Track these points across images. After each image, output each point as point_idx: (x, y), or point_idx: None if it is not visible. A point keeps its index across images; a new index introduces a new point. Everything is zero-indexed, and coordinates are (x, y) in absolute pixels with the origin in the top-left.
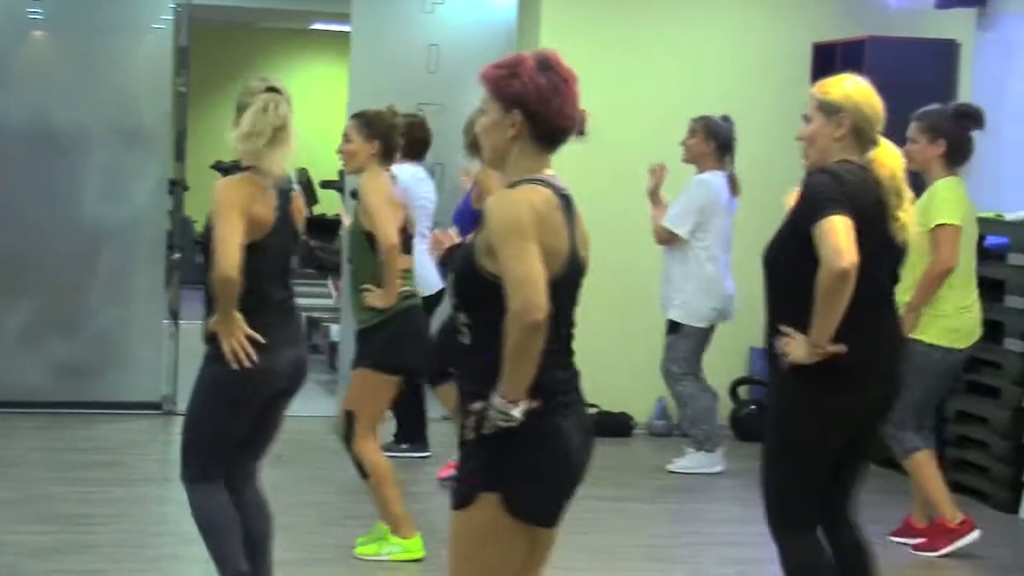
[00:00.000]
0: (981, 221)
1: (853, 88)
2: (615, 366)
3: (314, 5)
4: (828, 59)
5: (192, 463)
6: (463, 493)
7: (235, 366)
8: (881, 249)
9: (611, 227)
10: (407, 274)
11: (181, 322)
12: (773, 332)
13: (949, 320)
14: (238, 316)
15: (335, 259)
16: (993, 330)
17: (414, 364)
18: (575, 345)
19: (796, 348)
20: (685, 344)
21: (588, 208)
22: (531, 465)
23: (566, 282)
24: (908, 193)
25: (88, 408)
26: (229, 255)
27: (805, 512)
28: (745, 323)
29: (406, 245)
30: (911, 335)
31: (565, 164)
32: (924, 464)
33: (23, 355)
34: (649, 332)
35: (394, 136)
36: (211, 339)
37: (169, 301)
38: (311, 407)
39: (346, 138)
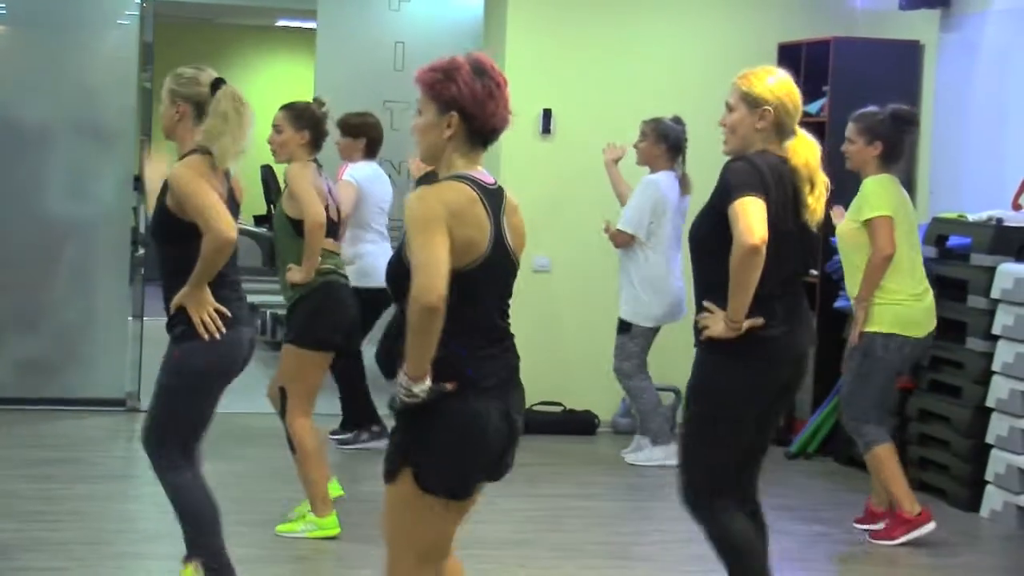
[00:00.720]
0: (944, 222)
1: (776, 83)
2: (579, 364)
3: (279, 2)
4: (793, 59)
5: (171, 448)
6: (388, 468)
7: (207, 338)
8: (793, 234)
9: (574, 225)
10: (329, 256)
11: (145, 319)
12: (699, 309)
13: (902, 308)
14: (207, 291)
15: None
16: (955, 329)
17: (332, 339)
18: (540, 342)
19: (715, 323)
20: (634, 344)
21: (551, 206)
22: (439, 443)
23: (490, 272)
24: (822, 179)
25: (50, 405)
26: (224, 219)
27: (724, 483)
28: None
29: (331, 230)
30: (866, 328)
31: (529, 162)
32: (885, 457)
33: None
34: (612, 331)
35: (322, 127)
36: (177, 321)
37: (133, 297)
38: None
39: (277, 128)
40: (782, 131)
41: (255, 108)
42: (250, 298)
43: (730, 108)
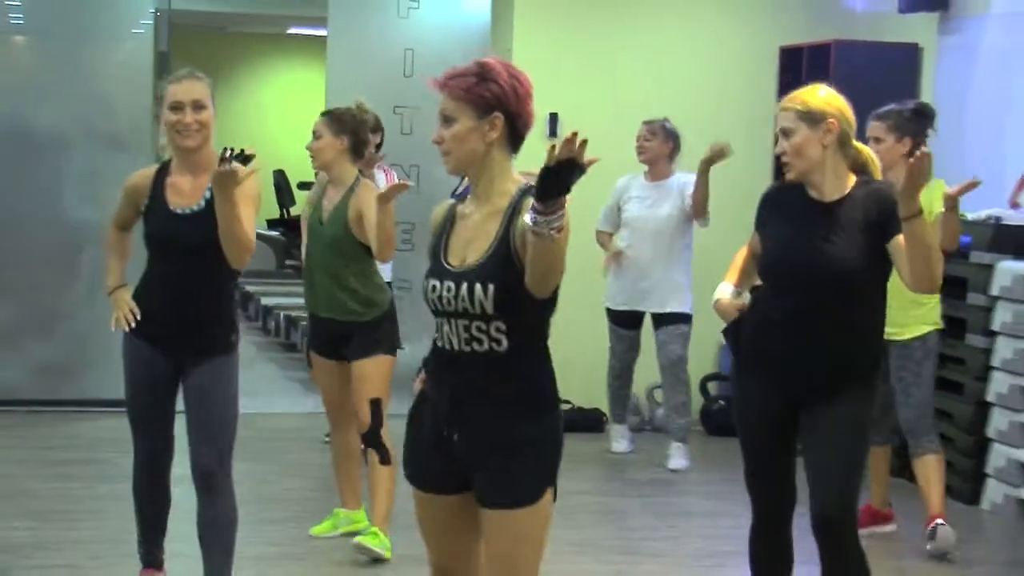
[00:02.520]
0: None
1: (830, 95)
2: (586, 363)
3: (290, 10)
4: (795, 62)
5: (229, 458)
6: (529, 491)
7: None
8: None
9: (581, 224)
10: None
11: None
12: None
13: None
14: None
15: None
16: (956, 326)
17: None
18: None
19: None
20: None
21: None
22: (560, 460)
23: None
24: None
25: (67, 406)
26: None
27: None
28: (715, 321)
29: None
30: (927, 327)
31: (537, 164)
32: (879, 458)
33: (2, 354)
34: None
35: (362, 132)
36: (230, 330)
37: None
38: (290, 403)
39: (316, 135)
40: (845, 145)
41: (267, 115)
42: (264, 300)
43: (787, 133)
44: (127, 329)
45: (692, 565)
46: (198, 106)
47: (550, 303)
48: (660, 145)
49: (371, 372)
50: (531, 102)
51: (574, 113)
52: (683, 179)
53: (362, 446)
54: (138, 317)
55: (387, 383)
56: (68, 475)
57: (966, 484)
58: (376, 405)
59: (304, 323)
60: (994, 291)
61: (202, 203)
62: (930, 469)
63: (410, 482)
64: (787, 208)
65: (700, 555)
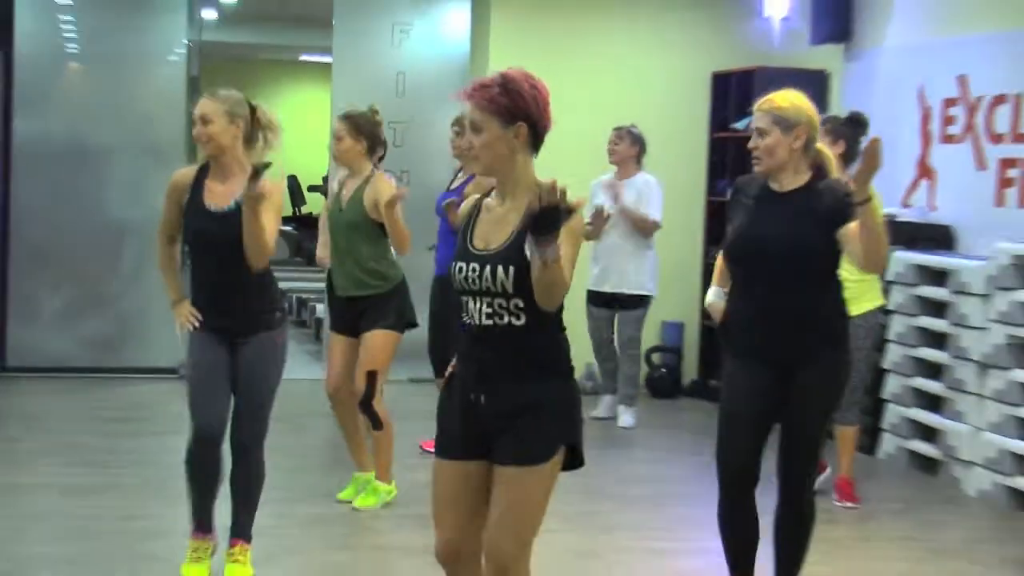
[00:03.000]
0: None
1: (803, 103)
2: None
3: (302, 41)
4: (725, 85)
5: (264, 432)
6: (541, 450)
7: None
8: None
9: None
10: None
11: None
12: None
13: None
14: None
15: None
16: None
17: (414, 320)
18: None
19: None
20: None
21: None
22: (581, 425)
23: None
24: None
25: (114, 373)
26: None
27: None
28: (659, 301)
29: None
30: (863, 308)
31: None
32: (848, 437)
33: (60, 330)
34: (578, 308)
35: (378, 133)
36: (277, 309)
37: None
38: (301, 372)
39: (337, 137)
40: (810, 148)
41: (283, 128)
42: (280, 284)
43: (762, 132)
44: (191, 330)
45: (636, 493)
46: (205, 120)
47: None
48: (627, 148)
49: (375, 344)
50: (549, 108)
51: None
52: (648, 178)
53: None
54: (200, 319)
55: (388, 357)
56: (115, 431)
57: (866, 438)
58: (372, 377)
59: (312, 304)
60: (888, 277)
61: (232, 204)
62: (848, 439)
63: (436, 452)
64: (754, 199)
65: (646, 494)
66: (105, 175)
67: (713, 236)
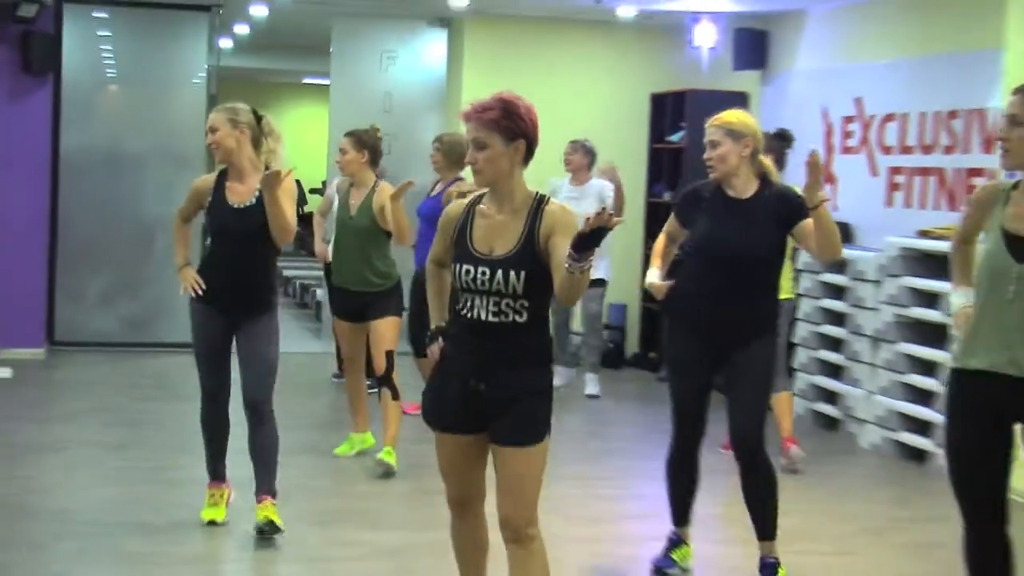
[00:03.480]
0: None
1: (748, 119)
2: None
3: (304, 66)
4: (662, 104)
5: (271, 393)
6: (535, 433)
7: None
8: None
9: None
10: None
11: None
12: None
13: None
14: None
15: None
16: None
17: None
18: None
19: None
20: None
21: None
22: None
23: None
24: None
25: (145, 347)
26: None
27: (675, 428)
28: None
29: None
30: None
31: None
32: (784, 401)
33: (100, 310)
34: None
35: (378, 148)
36: (272, 293)
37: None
38: (303, 346)
39: (342, 151)
40: (755, 157)
41: (288, 143)
42: (285, 272)
43: (715, 144)
44: (194, 295)
45: (588, 454)
46: (212, 130)
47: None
48: (581, 158)
49: (385, 330)
50: (538, 127)
51: None
52: (599, 183)
53: (373, 388)
54: (203, 287)
55: (396, 338)
56: (145, 396)
57: None
58: (390, 356)
59: (314, 288)
60: (799, 266)
61: (252, 200)
62: (784, 403)
63: (431, 425)
64: (710, 204)
65: (594, 449)
66: (138, 179)
67: (651, 231)
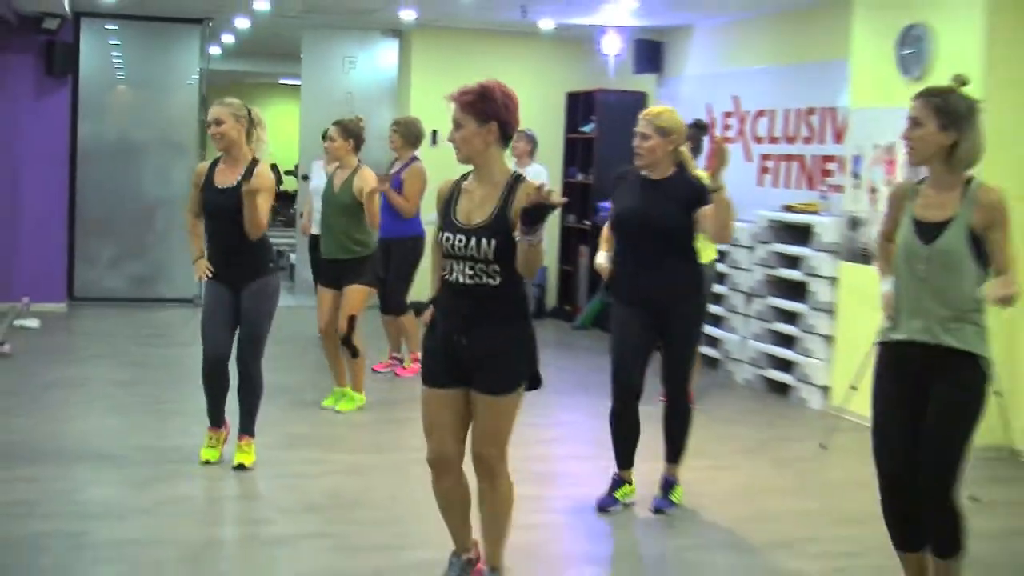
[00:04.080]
0: None
1: (675, 117)
2: None
3: (280, 69)
4: (576, 101)
5: (260, 354)
6: (507, 384)
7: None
8: None
9: None
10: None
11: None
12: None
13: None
14: None
15: (293, 215)
16: None
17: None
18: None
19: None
20: None
21: (436, 187)
22: (535, 360)
23: None
24: None
25: (148, 302)
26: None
27: (615, 385)
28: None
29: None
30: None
31: (424, 161)
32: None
33: (112, 271)
34: None
35: (361, 136)
36: (269, 259)
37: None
38: (280, 301)
39: (331, 139)
40: (677, 151)
41: (267, 132)
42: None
43: (645, 136)
44: (206, 279)
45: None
46: (217, 122)
47: None
48: (524, 146)
49: (353, 296)
50: (517, 112)
51: (447, 130)
52: (538, 168)
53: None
54: (213, 271)
55: (363, 305)
56: (149, 343)
57: None
58: (352, 320)
59: (288, 253)
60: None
61: (235, 183)
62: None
63: (424, 382)
64: (631, 185)
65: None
66: (142, 164)
67: (566, 207)
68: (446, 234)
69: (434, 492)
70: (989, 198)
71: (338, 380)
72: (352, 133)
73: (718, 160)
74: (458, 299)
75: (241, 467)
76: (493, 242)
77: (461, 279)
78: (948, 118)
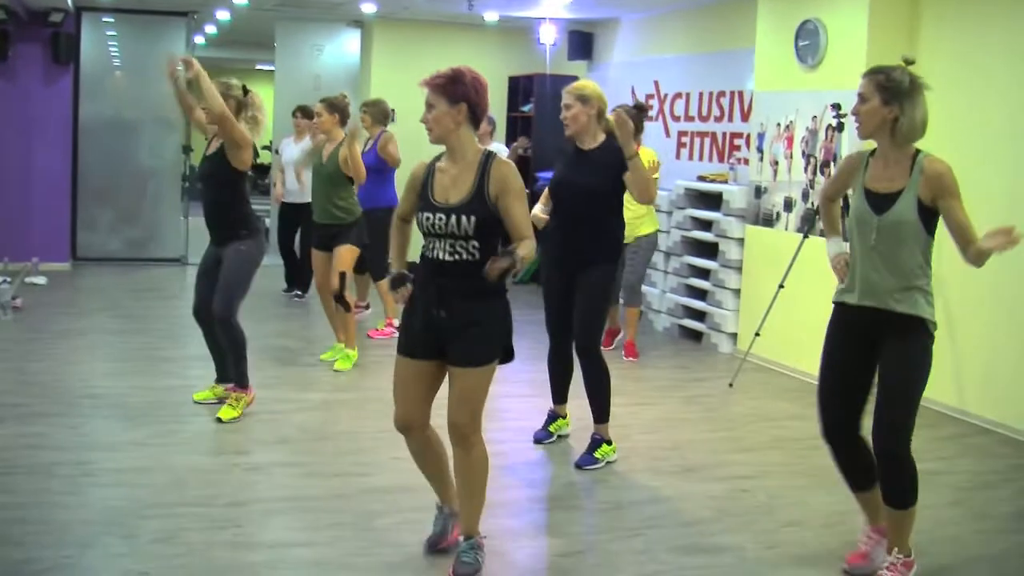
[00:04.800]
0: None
1: (595, 87)
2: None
3: (256, 56)
4: (517, 84)
5: (234, 307)
6: (484, 355)
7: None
8: None
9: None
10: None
11: (190, 217)
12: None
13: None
14: None
15: (268, 185)
16: None
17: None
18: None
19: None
20: None
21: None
22: (510, 332)
23: None
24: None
25: (142, 261)
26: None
27: (550, 331)
28: None
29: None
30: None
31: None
32: (632, 314)
33: (110, 234)
34: None
35: (347, 111)
36: (241, 227)
37: (183, 206)
38: None
39: (318, 114)
40: (601, 117)
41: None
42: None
43: (568, 107)
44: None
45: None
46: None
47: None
48: (485, 126)
49: (342, 255)
50: (487, 96)
51: (403, 109)
52: (498, 145)
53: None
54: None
55: (351, 263)
56: (143, 298)
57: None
58: (343, 276)
59: (264, 218)
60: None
61: (213, 151)
62: (632, 315)
63: (398, 351)
64: (567, 156)
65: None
66: (136, 139)
67: None
68: (425, 214)
69: (409, 450)
70: (935, 168)
71: (337, 335)
72: (338, 108)
73: (620, 131)
74: (438, 275)
75: (219, 420)
76: (472, 219)
77: (442, 255)
78: (890, 93)
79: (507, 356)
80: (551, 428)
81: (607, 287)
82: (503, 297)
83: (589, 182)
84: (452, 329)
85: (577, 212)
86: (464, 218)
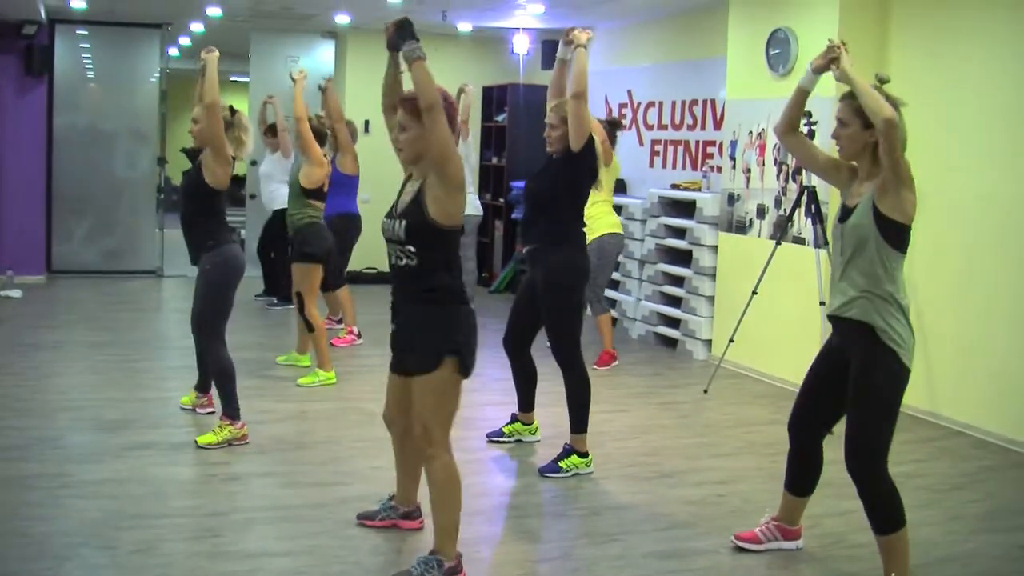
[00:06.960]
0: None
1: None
2: None
3: (231, 67)
4: (490, 95)
5: (209, 327)
6: (429, 360)
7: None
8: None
9: (382, 176)
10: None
11: (165, 230)
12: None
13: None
14: None
15: (242, 196)
16: None
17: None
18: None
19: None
20: None
21: (370, 168)
22: (470, 337)
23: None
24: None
25: (117, 273)
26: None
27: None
28: None
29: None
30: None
31: (360, 147)
32: (605, 321)
33: (86, 246)
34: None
35: (322, 131)
36: (212, 241)
37: (158, 218)
38: None
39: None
40: None
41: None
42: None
43: (553, 127)
44: None
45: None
46: (195, 121)
47: (448, 236)
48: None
49: (294, 273)
50: (457, 117)
51: (378, 118)
52: (471, 198)
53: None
54: None
55: (304, 281)
56: (118, 310)
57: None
58: (299, 296)
59: (239, 229)
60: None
61: (192, 166)
62: (604, 323)
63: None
64: (542, 166)
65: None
66: (110, 151)
67: (483, 186)
68: (383, 222)
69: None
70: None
71: (297, 347)
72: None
73: (569, 35)
74: (393, 282)
75: (196, 444)
76: (403, 222)
77: (392, 260)
78: (869, 118)
79: (463, 370)
80: (505, 428)
81: (564, 306)
82: (446, 306)
83: (544, 187)
84: (401, 338)
85: (537, 213)
86: (398, 223)
